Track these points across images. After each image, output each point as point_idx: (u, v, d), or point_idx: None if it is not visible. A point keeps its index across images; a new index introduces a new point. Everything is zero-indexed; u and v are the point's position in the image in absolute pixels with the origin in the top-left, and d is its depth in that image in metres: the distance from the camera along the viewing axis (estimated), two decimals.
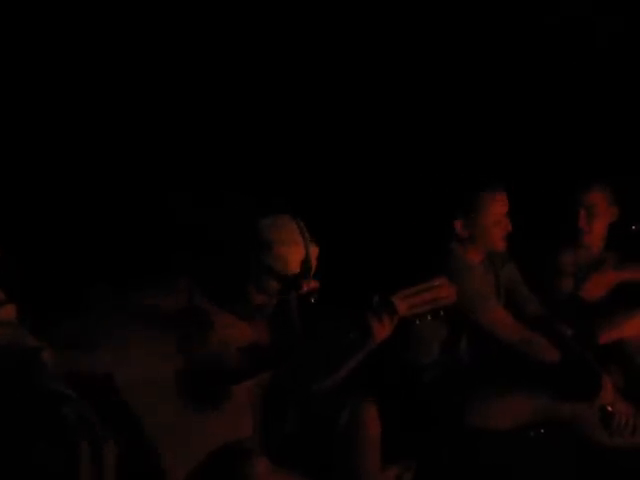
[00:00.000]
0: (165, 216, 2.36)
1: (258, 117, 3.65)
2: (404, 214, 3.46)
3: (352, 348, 2.30)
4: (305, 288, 2.29)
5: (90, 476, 1.87)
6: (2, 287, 2.00)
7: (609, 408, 2.84)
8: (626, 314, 3.07)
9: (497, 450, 2.81)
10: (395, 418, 2.62)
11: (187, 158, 3.47)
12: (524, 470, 2.81)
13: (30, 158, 3.29)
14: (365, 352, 2.30)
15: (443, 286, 2.23)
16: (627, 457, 2.87)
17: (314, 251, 2.33)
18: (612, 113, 3.81)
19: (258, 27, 3.66)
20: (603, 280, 3.17)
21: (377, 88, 3.84)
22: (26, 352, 1.94)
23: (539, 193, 3.32)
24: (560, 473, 2.83)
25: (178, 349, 2.20)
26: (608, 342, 3.03)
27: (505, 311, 2.93)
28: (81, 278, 2.79)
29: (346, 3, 3.71)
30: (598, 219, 3.23)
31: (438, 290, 2.22)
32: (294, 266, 2.29)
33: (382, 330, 2.21)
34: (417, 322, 2.25)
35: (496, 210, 2.89)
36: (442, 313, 2.25)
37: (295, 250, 2.29)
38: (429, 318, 2.25)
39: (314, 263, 2.33)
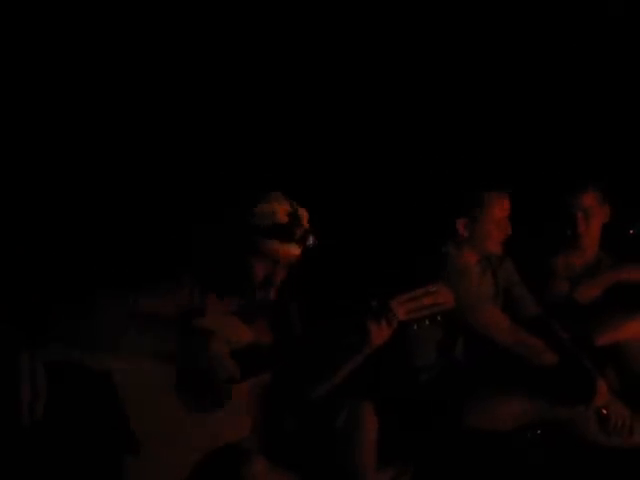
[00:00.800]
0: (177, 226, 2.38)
1: (257, 118, 3.65)
2: (402, 216, 3.48)
3: (350, 352, 2.32)
4: (298, 234, 2.28)
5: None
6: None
7: (604, 410, 2.84)
8: (622, 316, 3.06)
9: (494, 452, 2.82)
10: (392, 420, 2.63)
11: (187, 158, 3.47)
12: (521, 471, 2.81)
13: (34, 160, 3.29)
14: (363, 356, 2.32)
15: (441, 291, 2.25)
16: (624, 458, 2.87)
17: (302, 210, 2.33)
18: (607, 116, 3.81)
19: (258, 26, 3.66)
20: (598, 283, 3.18)
21: (378, 86, 3.83)
22: None
23: (533, 195, 3.33)
24: (557, 474, 2.84)
25: (178, 350, 2.21)
26: (604, 344, 3.02)
27: (501, 313, 2.94)
28: (82, 279, 2.79)
29: (346, 3, 3.71)
30: (594, 220, 3.21)
31: (436, 295, 2.24)
32: (281, 216, 2.27)
33: (380, 334, 2.23)
34: (415, 327, 2.27)
35: (500, 211, 2.90)
36: (439, 318, 2.27)
37: (278, 203, 2.28)
38: (427, 323, 2.27)
39: (304, 217, 2.32)
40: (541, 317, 3.06)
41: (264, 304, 2.42)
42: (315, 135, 3.73)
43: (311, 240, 2.31)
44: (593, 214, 3.20)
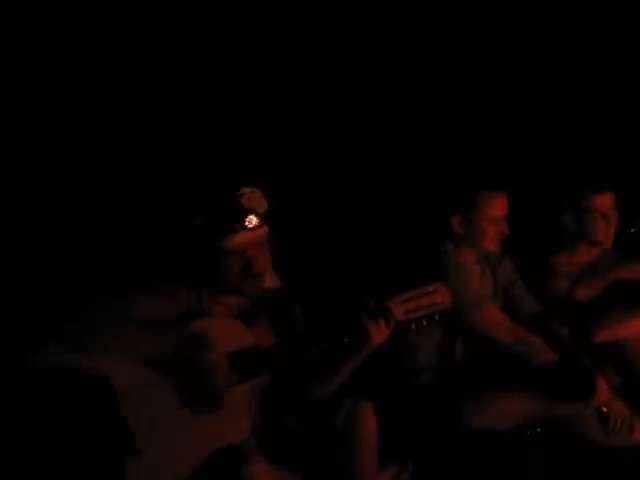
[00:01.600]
0: (172, 229, 2.38)
1: (256, 117, 3.64)
2: (400, 216, 3.48)
3: (349, 352, 2.32)
4: (240, 221, 2.29)
5: None
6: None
7: (604, 409, 2.84)
8: (622, 314, 3.06)
9: (493, 451, 2.81)
10: (392, 419, 2.63)
11: (185, 158, 3.47)
12: (521, 470, 2.81)
13: (34, 160, 3.30)
14: (362, 356, 2.32)
15: (439, 291, 2.26)
16: (624, 456, 2.87)
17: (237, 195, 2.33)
18: (607, 115, 3.81)
19: (257, 26, 3.65)
20: (598, 281, 3.18)
21: (375, 86, 3.83)
22: None
23: (533, 194, 3.33)
24: (557, 473, 2.84)
25: (177, 351, 2.21)
26: (602, 341, 3.01)
27: (499, 312, 2.93)
28: (82, 281, 2.80)
29: (346, 3, 3.70)
30: (613, 221, 3.17)
31: (434, 295, 2.25)
32: (219, 211, 2.29)
33: (379, 335, 2.24)
34: (413, 327, 2.28)
35: (495, 210, 2.90)
36: (437, 317, 2.27)
37: (216, 199, 2.32)
38: (424, 323, 2.27)
39: (242, 201, 2.31)
40: (540, 316, 3.06)
41: (265, 302, 2.43)
42: (314, 135, 3.73)
43: (254, 221, 2.30)
44: (611, 217, 3.16)
